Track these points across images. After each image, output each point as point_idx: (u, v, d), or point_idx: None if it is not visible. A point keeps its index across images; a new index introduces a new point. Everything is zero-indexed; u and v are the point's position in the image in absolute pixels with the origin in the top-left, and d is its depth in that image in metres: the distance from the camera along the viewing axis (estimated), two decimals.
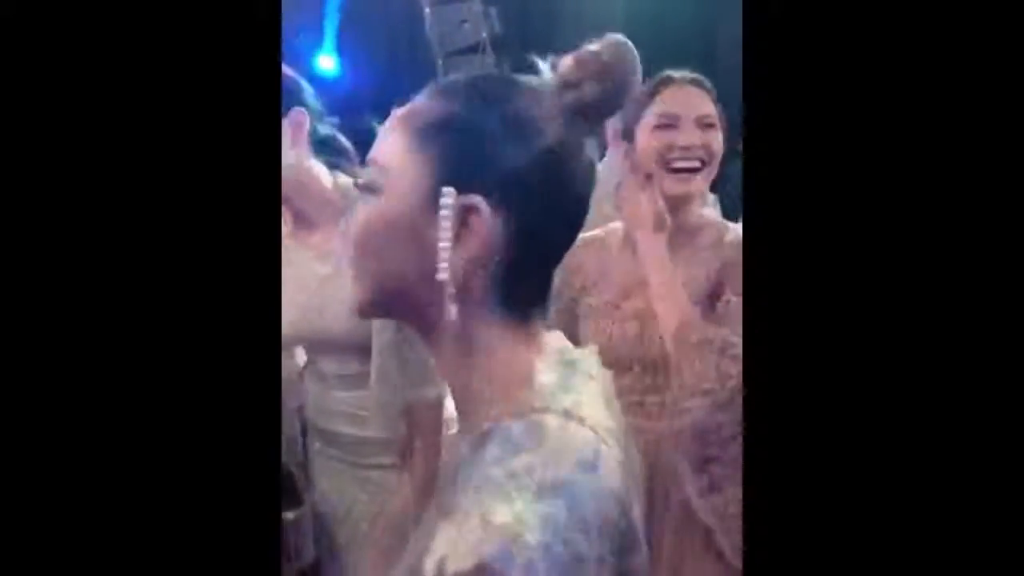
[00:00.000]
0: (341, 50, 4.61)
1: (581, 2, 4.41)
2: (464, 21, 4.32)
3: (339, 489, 1.48)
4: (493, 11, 4.36)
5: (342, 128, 1.60)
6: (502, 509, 0.50)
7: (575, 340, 1.49)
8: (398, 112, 0.62)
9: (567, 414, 0.56)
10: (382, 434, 1.43)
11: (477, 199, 0.57)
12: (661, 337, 1.31)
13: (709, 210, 1.48)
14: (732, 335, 1.15)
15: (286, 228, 1.47)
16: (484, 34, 4.29)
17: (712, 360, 1.17)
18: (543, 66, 0.62)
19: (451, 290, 0.57)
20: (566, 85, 0.61)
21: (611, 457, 0.57)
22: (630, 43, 0.62)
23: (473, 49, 4.31)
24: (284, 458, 1.51)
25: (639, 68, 0.62)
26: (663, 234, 1.29)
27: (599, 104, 0.60)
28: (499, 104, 0.59)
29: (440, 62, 4.36)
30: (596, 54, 0.60)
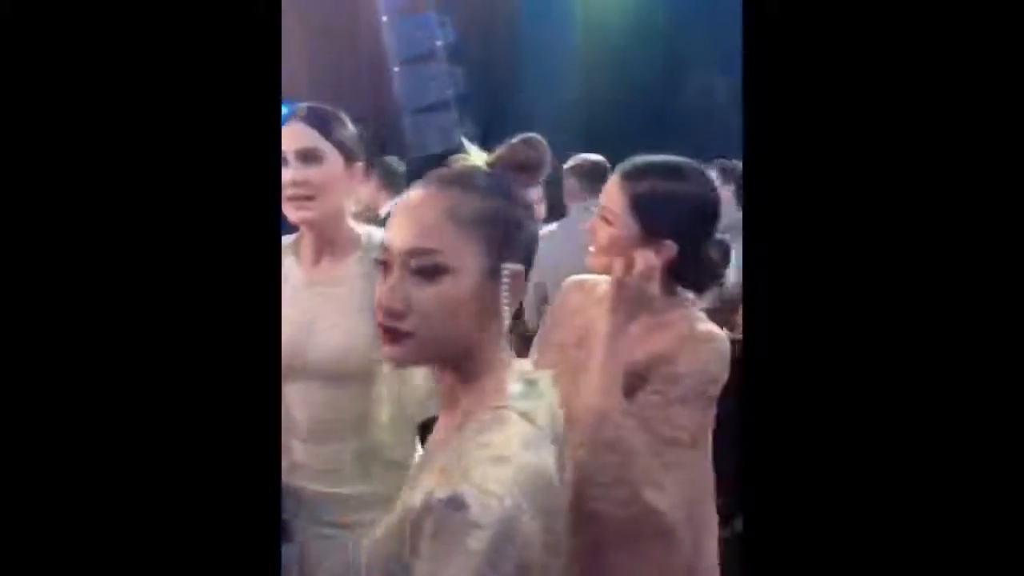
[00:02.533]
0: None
1: (540, 54, 4.61)
2: (430, 80, 4.49)
3: (305, 549, 1.47)
4: (458, 71, 4.55)
5: None
6: (474, 468, 0.72)
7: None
8: (441, 207, 0.79)
9: (523, 414, 0.79)
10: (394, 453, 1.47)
11: (519, 267, 0.80)
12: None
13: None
14: (639, 444, 1.18)
15: (309, 257, 1.52)
16: (449, 92, 4.47)
17: (613, 460, 1.20)
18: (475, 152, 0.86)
19: (508, 335, 0.82)
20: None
21: (546, 447, 0.80)
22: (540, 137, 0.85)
23: (439, 106, 4.47)
24: None
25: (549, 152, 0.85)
26: (618, 315, 1.25)
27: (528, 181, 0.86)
28: (512, 194, 0.82)
29: (407, 120, 4.51)
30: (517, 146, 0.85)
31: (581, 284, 1.51)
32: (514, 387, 0.81)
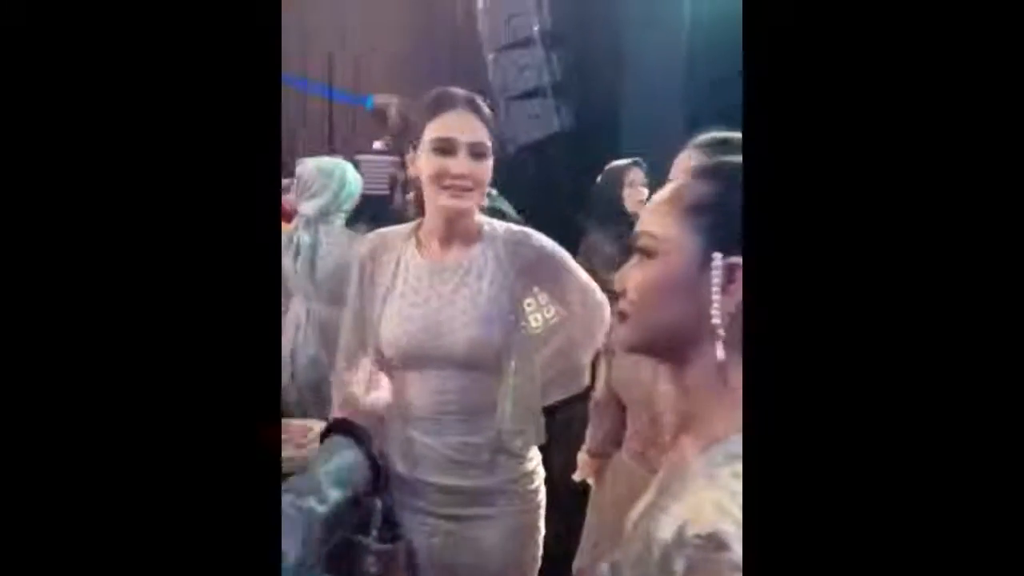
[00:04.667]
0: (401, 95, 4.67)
1: (642, 43, 4.39)
2: (526, 67, 4.33)
3: (418, 540, 1.47)
4: (555, 56, 4.37)
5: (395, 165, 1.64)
6: (733, 502, 0.65)
7: None
8: (667, 190, 0.80)
9: None
10: (515, 427, 1.49)
11: (738, 259, 0.72)
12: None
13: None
14: None
15: (434, 245, 1.52)
16: (546, 78, 4.30)
17: None
18: None
19: (721, 333, 0.73)
20: None
21: None
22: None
23: (534, 93, 4.30)
24: (373, 494, 1.49)
25: None
26: None
27: None
28: (735, 183, 0.74)
29: (501, 107, 4.37)
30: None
31: None
32: None
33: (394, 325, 1.49)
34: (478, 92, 1.57)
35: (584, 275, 1.64)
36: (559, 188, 3.92)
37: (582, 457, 1.73)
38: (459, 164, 1.43)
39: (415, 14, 5.13)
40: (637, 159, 3.10)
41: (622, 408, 1.58)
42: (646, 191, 3.06)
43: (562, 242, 1.64)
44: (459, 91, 1.51)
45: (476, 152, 1.45)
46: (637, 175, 3.07)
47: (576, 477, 1.74)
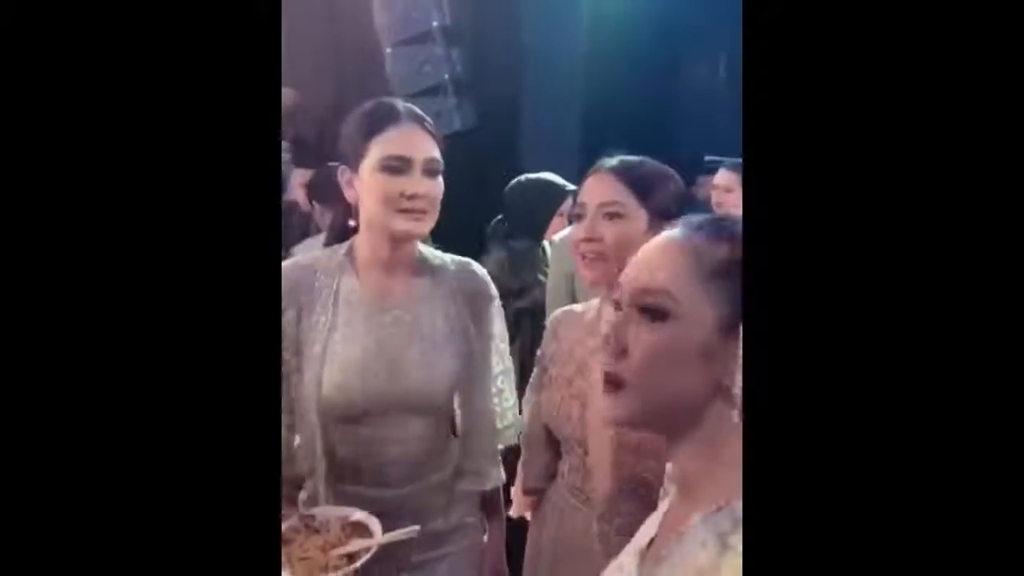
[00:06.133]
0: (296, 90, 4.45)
1: (543, 41, 4.35)
2: (425, 63, 4.21)
3: None
4: (455, 53, 4.27)
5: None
6: (733, 565, 0.64)
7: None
8: (677, 245, 0.74)
9: None
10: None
11: None
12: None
13: None
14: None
15: (376, 276, 1.39)
16: (446, 76, 4.19)
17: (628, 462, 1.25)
18: None
19: (738, 400, 0.69)
20: None
21: None
22: None
23: (434, 91, 4.19)
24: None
25: None
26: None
27: None
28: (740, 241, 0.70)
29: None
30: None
31: (570, 317, 1.50)
32: None
33: (337, 372, 1.31)
34: (378, 87, 1.47)
35: (503, 322, 1.56)
36: (458, 192, 3.83)
37: (516, 492, 1.65)
38: (414, 184, 1.31)
39: (307, 3, 4.91)
40: (576, 189, 2.99)
41: (555, 440, 1.52)
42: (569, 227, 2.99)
43: (463, 251, 1.56)
44: (401, 103, 1.39)
45: (431, 170, 1.34)
46: (569, 207, 2.99)
47: (513, 513, 1.66)
